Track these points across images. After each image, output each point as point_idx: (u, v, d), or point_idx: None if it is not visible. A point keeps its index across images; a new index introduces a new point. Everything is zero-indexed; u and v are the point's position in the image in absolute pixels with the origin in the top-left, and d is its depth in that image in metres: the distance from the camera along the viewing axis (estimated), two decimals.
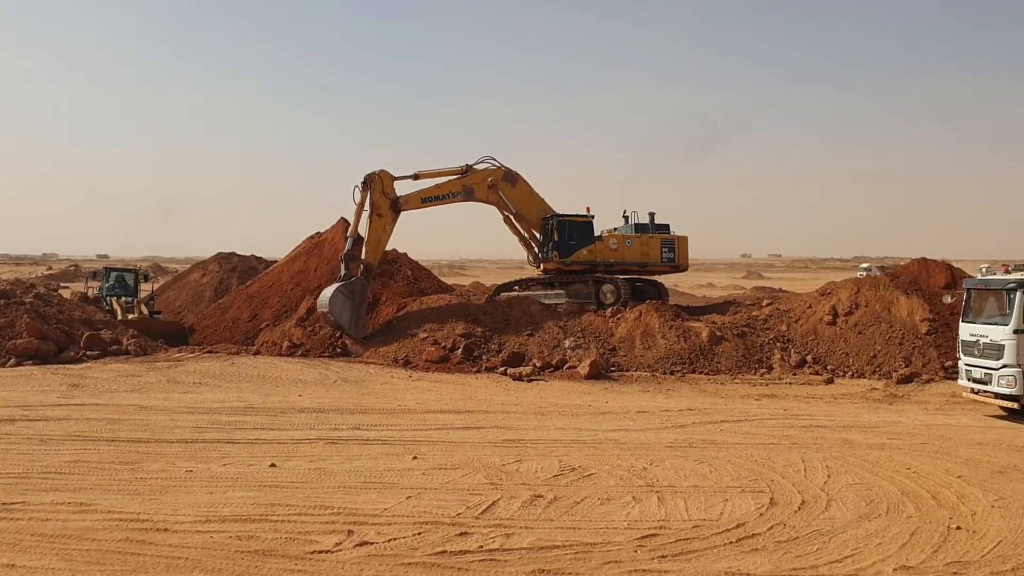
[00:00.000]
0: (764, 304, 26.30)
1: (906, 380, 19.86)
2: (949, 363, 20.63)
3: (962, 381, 16.90)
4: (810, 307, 24.14)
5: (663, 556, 7.93)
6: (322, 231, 33.09)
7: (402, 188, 26.26)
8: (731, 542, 8.34)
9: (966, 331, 16.67)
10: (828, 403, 17.78)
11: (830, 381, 20.37)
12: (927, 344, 21.34)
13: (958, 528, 8.83)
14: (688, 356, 22.17)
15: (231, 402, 16.97)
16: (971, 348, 16.43)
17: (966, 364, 16.64)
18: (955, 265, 26.66)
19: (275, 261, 36.51)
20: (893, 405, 17.60)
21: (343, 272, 25.51)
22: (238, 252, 41.45)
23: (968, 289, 16.98)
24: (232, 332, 28.36)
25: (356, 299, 25.31)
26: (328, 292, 24.93)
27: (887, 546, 8.28)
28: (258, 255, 41.96)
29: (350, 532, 8.47)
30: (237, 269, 39.04)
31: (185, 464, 11.43)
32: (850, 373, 21.06)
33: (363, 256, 25.61)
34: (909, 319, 22.24)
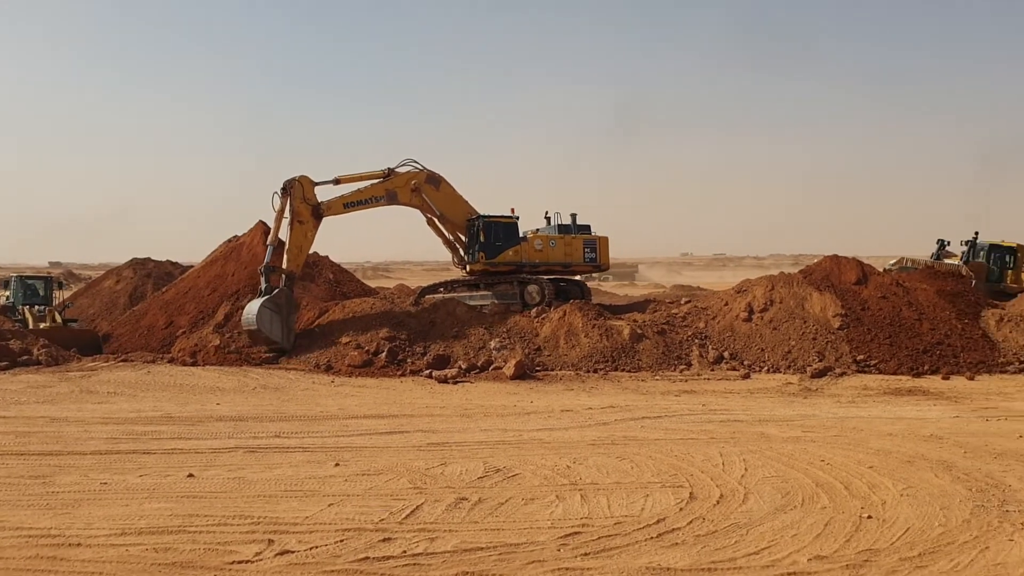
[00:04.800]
0: (683, 302, 26.81)
1: (820, 374, 20.50)
2: (861, 357, 21.39)
3: None
4: (727, 304, 24.71)
5: (586, 554, 8.02)
6: (240, 235, 32.51)
7: (323, 193, 25.95)
8: (652, 537, 8.48)
9: None
10: (745, 398, 18.23)
11: (747, 376, 20.91)
12: (840, 339, 22.08)
13: (869, 517, 9.13)
14: (611, 354, 22.47)
15: (147, 412, 16.54)
16: None
17: None
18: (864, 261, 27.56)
19: (191, 266, 35.73)
20: (807, 399, 18.13)
21: (264, 286, 24.63)
22: (153, 258, 40.50)
23: None
24: (148, 340, 27.64)
25: (283, 311, 24.49)
26: (253, 308, 23.99)
27: (802, 537, 8.52)
28: (174, 260, 41.06)
29: (270, 541, 8.34)
30: (152, 275, 38.12)
31: (99, 476, 11.09)
32: (766, 368, 21.64)
33: (284, 264, 24.91)
34: (822, 315, 22.97)
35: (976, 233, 32.80)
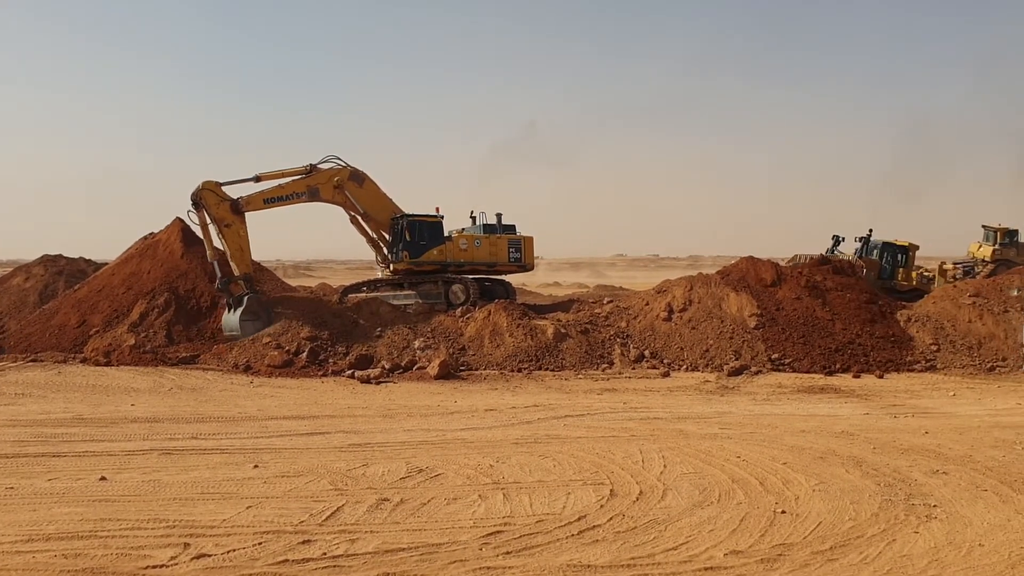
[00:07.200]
0: (605, 302, 27.16)
1: (736, 372, 21.01)
2: (776, 355, 21.99)
3: None
4: (647, 304, 25.12)
5: (507, 552, 8.06)
6: (156, 231, 31.65)
7: (243, 190, 25.57)
8: (573, 535, 8.57)
9: None
10: (664, 396, 18.55)
11: (666, 374, 21.29)
12: (755, 338, 22.64)
13: (783, 512, 9.39)
14: (535, 353, 22.62)
15: (57, 413, 15.99)
16: None
17: None
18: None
19: (105, 263, 34.66)
20: (724, 396, 18.54)
21: (230, 299, 25.02)
22: (65, 254, 39.12)
23: None
24: (59, 339, 26.68)
25: (261, 316, 25.03)
26: (234, 324, 24.58)
27: (719, 532, 8.72)
28: (87, 257, 39.74)
29: (186, 545, 8.16)
30: (64, 272, 36.73)
31: (5, 481, 10.68)
32: (685, 366, 22.06)
33: (236, 271, 24.99)
34: (739, 314, 23.53)
35: (870, 230, 33.97)
